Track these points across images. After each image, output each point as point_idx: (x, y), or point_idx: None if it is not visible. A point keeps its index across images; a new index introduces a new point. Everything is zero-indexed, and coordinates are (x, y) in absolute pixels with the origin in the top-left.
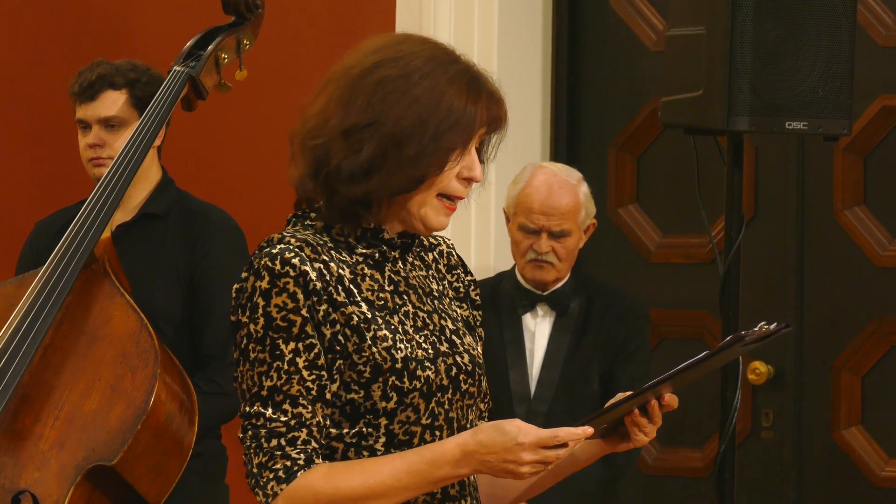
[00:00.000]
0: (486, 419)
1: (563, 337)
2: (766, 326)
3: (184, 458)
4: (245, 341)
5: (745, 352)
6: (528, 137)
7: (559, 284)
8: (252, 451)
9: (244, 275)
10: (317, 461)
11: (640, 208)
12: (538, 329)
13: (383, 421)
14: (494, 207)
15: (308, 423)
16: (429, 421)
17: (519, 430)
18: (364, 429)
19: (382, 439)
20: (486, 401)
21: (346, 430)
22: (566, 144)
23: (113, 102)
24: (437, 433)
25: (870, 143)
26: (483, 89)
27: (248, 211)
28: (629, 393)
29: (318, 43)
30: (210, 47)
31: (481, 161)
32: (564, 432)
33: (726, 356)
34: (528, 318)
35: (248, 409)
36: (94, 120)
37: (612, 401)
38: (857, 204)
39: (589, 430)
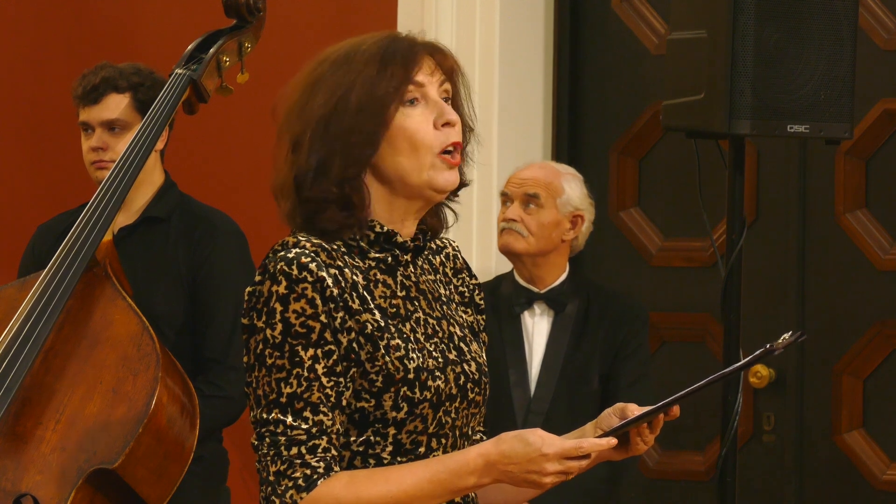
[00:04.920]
0: (483, 425)
1: (562, 338)
2: (786, 337)
3: (185, 461)
4: (261, 346)
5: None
6: (529, 140)
7: (556, 282)
8: (269, 458)
9: (258, 278)
10: (335, 469)
11: (641, 211)
12: (536, 328)
13: (391, 430)
14: (496, 211)
15: (328, 430)
16: (435, 430)
17: (542, 440)
18: (372, 437)
19: (389, 448)
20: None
21: (353, 438)
22: (568, 148)
23: (116, 105)
24: (443, 441)
25: (871, 147)
26: (399, 45)
27: (249, 214)
28: (651, 407)
29: (320, 46)
30: (212, 50)
31: (459, 110)
32: (588, 443)
33: (750, 366)
34: (526, 318)
35: (265, 415)
36: (96, 123)
37: (622, 410)
38: (858, 207)
39: (613, 440)
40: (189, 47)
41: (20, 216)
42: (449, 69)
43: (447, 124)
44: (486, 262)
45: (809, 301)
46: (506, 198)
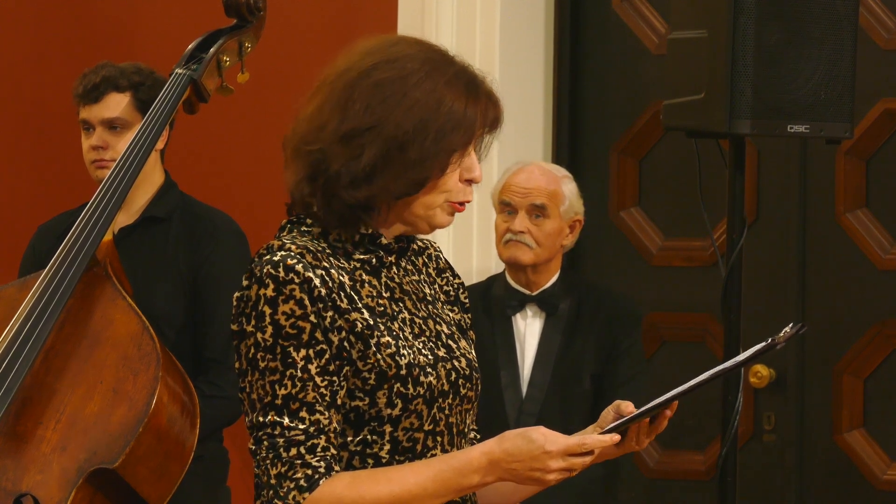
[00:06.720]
0: (475, 423)
1: (554, 337)
2: (787, 330)
3: (186, 460)
4: (253, 350)
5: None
6: (529, 141)
7: (548, 284)
8: (269, 461)
9: (245, 283)
10: (336, 468)
11: (642, 211)
12: (528, 330)
13: (388, 428)
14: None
15: (326, 429)
16: (431, 427)
17: (545, 438)
18: (369, 436)
19: (387, 446)
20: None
21: (350, 438)
22: (568, 147)
23: (116, 104)
24: (439, 438)
25: (871, 147)
26: (481, 91)
27: (250, 214)
28: (655, 402)
29: (320, 46)
30: (212, 50)
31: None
32: (592, 440)
33: (752, 362)
34: (518, 319)
35: (261, 418)
36: (97, 121)
37: (622, 409)
38: (858, 207)
39: (616, 436)
40: (189, 47)
41: (20, 216)
42: (497, 122)
43: (472, 181)
44: (486, 263)
45: (809, 301)
46: (508, 207)
